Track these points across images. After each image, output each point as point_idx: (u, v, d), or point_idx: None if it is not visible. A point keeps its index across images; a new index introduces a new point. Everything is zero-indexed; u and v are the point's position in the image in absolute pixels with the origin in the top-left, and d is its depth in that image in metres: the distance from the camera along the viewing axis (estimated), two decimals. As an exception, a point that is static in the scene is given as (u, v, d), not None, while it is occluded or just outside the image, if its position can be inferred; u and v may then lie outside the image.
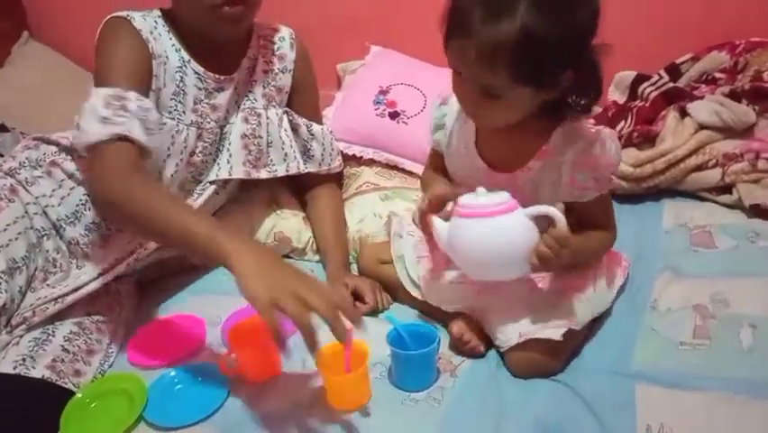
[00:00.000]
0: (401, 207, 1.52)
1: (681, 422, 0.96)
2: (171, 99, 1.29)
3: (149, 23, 1.26)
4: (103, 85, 1.18)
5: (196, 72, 1.31)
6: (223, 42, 1.32)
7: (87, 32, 1.31)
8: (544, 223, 1.03)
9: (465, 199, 1.05)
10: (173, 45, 1.28)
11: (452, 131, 1.19)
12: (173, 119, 1.29)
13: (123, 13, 1.25)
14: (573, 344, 1.14)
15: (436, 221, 1.10)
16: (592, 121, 1.18)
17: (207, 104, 1.33)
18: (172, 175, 1.32)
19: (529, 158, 1.09)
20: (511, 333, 1.11)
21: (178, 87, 1.29)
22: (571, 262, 1.07)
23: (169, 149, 1.30)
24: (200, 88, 1.32)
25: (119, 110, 1.15)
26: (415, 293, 1.26)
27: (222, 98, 1.34)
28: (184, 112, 1.30)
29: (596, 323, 1.20)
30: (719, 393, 0.99)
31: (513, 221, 1.01)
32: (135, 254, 1.30)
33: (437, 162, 1.25)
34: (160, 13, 1.30)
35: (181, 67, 1.29)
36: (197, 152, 1.34)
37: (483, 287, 1.17)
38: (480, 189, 1.04)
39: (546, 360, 1.09)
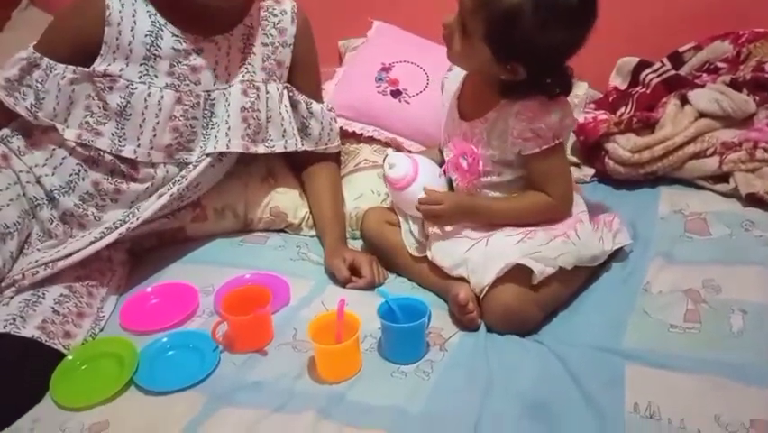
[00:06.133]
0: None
1: (669, 401, 0.97)
2: (141, 64, 1.29)
3: None
4: (37, 43, 1.32)
5: (173, 34, 1.30)
6: (213, 7, 1.31)
7: (87, 0, 1.31)
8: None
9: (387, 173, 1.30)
10: (147, 11, 1.29)
11: (447, 90, 1.36)
12: (143, 83, 1.29)
13: None
14: (553, 295, 1.18)
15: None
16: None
17: (186, 65, 1.32)
18: (151, 139, 1.32)
19: (490, 110, 1.22)
20: (497, 266, 1.15)
21: (148, 50, 1.29)
22: (469, 216, 1.25)
23: (143, 113, 1.30)
24: (178, 50, 1.31)
25: (25, 77, 1.30)
26: (416, 252, 1.31)
27: (202, 60, 1.33)
28: (156, 75, 1.30)
29: (585, 297, 1.22)
30: (707, 376, 1.00)
31: (413, 189, 1.27)
32: (128, 224, 1.30)
33: None
34: None
35: (153, 31, 1.29)
36: (178, 115, 1.33)
37: (478, 239, 1.24)
38: (390, 161, 1.29)
39: (522, 295, 1.13)
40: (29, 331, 1.11)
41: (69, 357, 1.13)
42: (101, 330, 1.22)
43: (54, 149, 1.33)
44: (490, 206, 1.26)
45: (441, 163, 1.35)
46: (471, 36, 1.14)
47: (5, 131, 1.36)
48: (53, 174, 1.33)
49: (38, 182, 1.33)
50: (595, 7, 1.12)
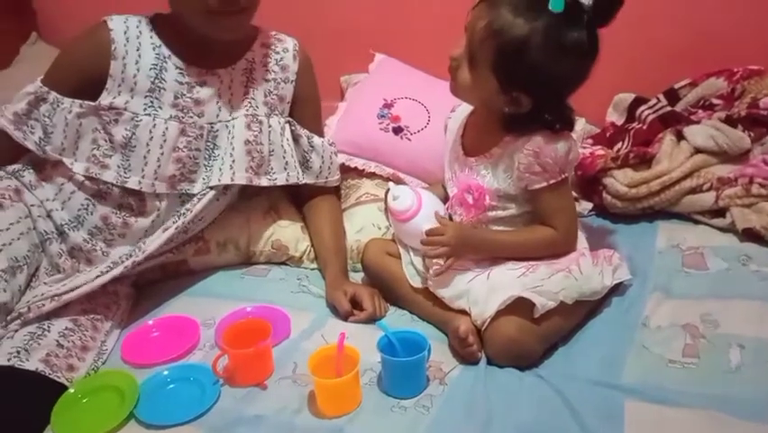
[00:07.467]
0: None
1: (668, 438, 0.97)
2: (146, 96, 1.32)
3: (130, 24, 1.33)
4: (44, 77, 1.35)
5: (177, 67, 1.34)
6: (217, 41, 1.34)
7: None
8: None
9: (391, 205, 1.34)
10: (152, 44, 1.33)
11: (450, 129, 1.40)
12: (148, 115, 1.32)
13: (108, 17, 1.33)
14: (554, 329, 1.18)
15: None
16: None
17: (190, 98, 1.35)
18: (156, 170, 1.34)
19: (494, 146, 1.25)
20: (499, 298, 1.15)
21: (153, 83, 1.32)
22: (473, 247, 1.27)
23: (147, 144, 1.32)
24: (181, 83, 1.34)
25: (33, 111, 1.33)
26: (416, 283, 1.31)
27: (205, 93, 1.37)
28: (161, 107, 1.33)
29: (584, 331, 1.22)
30: (706, 411, 1.01)
31: (417, 221, 1.30)
32: (133, 258, 1.31)
33: None
34: (151, 17, 1.36)
35: (157, 64, 1.33)
36: (182, 147, 1.35)
37: (480, 272, 1.25)
38: (394, 193, 1.34)
39: (523, 328, 1.14)
40: (33, 364, 1.12)
41: (71, 390, 1.13)
42: (103, 363, 1.23)
43: (63, 183, 1.35)
44: (494, 238, 1.28)
45: (444, 199, 1.37)
46: (478, 66, 1.17)
47: (17, 165, 1.39)
48: (62, 208, 1.35)
49: (48, 216, 1.35)
50: (598, 39, 1.14)
